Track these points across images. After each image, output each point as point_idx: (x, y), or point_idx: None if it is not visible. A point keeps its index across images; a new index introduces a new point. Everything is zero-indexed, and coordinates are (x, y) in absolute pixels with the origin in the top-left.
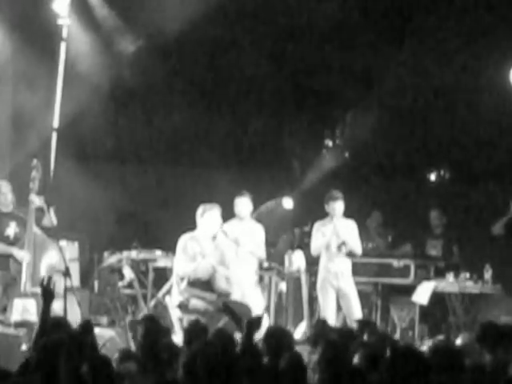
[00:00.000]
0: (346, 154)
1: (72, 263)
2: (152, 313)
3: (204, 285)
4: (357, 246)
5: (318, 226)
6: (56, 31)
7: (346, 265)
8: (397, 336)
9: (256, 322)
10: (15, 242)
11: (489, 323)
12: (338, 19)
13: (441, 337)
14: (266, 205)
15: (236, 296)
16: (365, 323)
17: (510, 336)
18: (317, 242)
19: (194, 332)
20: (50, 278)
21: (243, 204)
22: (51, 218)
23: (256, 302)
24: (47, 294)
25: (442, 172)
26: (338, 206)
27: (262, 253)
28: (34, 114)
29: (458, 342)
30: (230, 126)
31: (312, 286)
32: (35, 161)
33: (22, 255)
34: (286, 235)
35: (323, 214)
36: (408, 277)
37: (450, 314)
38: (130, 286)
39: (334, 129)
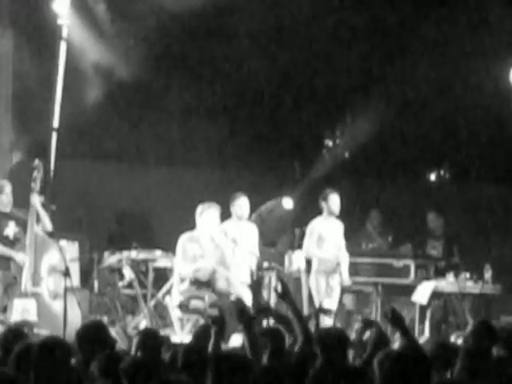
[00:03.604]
0: (346, 154)
1: (72, 263)
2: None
3: (204, 285)
4: (344, 249)
5: (314, 225)
6: (56, 31)
7: (342, 264)
8: (397, 336)
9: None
10: (15, 241)
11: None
12: (338, 19)
13: None
14: (265, 205)
15: (232, 295)
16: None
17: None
18: (311, 251)
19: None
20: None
21: (246, 205)
22: (46, 223)
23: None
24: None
25: (442, 172)
26: (337, 199)
27: (257, 252)
28: (33, 113)
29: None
30: (231, 126)
31: None
32: (37, 161)
33: (21, 258)
34: (285, 235)
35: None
36: (408, 277)
37: (450, 314)
38: (130, 285)
39: (333, 129)
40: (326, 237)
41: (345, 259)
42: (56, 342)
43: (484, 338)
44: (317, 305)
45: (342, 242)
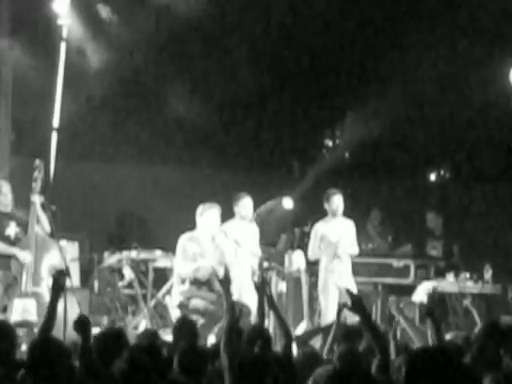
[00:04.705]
0: (346, 154)
1: (72, 263)
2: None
3: (205, 285)
4: (354, 247)
5: (317, 227)
6: (56, 31)
7: (347, 265)
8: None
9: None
10: (16, 241)
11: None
12: (337, 20)
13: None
14: (265, 205)
15: (234, 296)
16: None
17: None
18: (317, 252)
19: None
20: (62, 273)
21: (250, 205)
22: (45, 226)
23: (254, 302)
24: (57, 288)
25: (442, 172)
26: (338, 200)
27: (259, 252)
28: (33, 113)
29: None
30: (231, 126)
31: (312, 286)
32: (38, 161)
33: (24, 255)
34: (285, 235)
35: (323, 214)
36: (408, 277)
37: (450, 314)
38: (130, 285)
39: (333, 129)
40: (330, 238)
41: (348, 251)
42: (49, 341)
43: (493, 339)
44: (321, 305)
45: (354, 241)
